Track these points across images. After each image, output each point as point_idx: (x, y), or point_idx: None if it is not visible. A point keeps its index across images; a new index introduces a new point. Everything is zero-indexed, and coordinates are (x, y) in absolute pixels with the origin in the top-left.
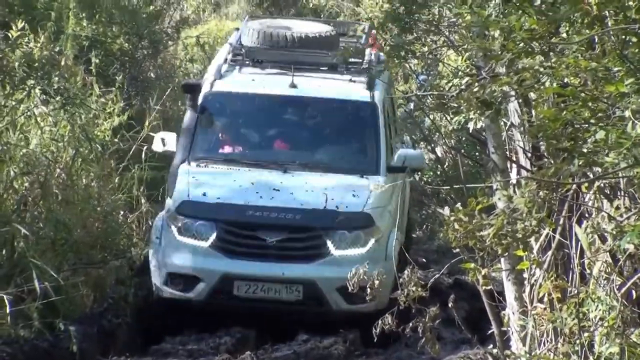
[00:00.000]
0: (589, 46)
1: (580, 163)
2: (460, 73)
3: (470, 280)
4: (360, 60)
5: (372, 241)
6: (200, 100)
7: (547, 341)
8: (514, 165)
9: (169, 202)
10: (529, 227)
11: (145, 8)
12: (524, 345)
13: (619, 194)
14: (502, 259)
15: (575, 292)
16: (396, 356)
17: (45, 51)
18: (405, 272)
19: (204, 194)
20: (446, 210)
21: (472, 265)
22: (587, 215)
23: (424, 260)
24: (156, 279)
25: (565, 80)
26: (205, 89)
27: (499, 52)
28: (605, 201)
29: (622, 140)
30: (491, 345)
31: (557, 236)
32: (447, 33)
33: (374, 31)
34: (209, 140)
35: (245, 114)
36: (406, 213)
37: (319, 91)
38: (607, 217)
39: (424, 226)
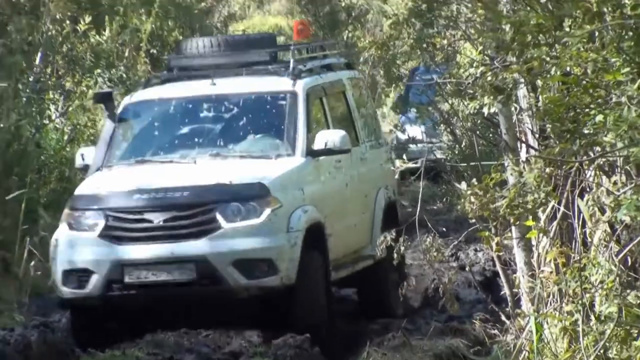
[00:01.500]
0: (590, 39)
1: (582, 143)
2: (475, 63)
3: (485, 247)
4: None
5: (267, 212)
6: (119, 110)
7: (553, 301)
8: (523, 145)
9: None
10: (537, 199)
11: (197, 4)
12: (533, 305)
13: (616, 170)
14: (513, 228)
15: (578, 258)
16: (417, 314)
17: (111, 43)
18: (428, 239)
19: (97, 188)
20: (463, 185)
21: (487, 233)
22: (588, 189)
23: (444, 229)
24: (56, 280)
25: (569, 69)
26: (125, 101)
27: (510, 44)
28: (604, 177)
29: (619, 123)
30: (504, 305)
31: (562, 208)
32: (464, 27)
33: (297, 20)
34: (124, 147)
35: (163, 118)
36: (373, 215)
37: (238, 87)
38: (606, 192)
39: (444, 199)
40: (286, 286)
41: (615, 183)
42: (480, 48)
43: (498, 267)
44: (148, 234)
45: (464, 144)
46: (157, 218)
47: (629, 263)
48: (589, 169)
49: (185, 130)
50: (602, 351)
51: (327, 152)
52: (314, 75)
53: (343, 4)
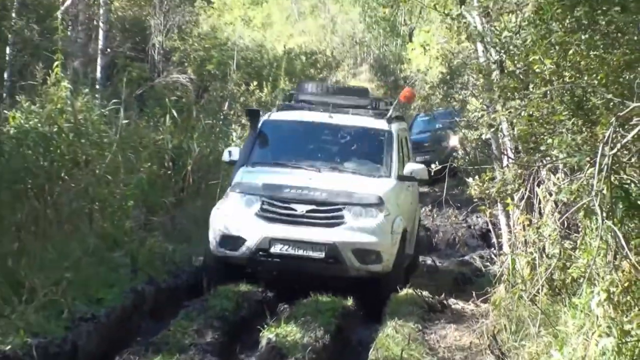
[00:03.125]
0: (544, 95)
1: (539, 155)
2: (477, 109)
3: (482, 215)
4: (384, 109)
5: (381, 216)
6: (259, 124)
7: (522, 246)
8: (505, 156)
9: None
10: (513, 188)
11: (317, 75)
12: (510, 248)
13: (559, 171)
14: (499, 204)
15: (536, 221)
16: (442, 253)
17: (268, 96)
18: (450, 210)
19: (253, 179)
20: (470, 179)
21: (483, 207)
22: (542, 182)
23: (458, 204)
24: (212, 241)
25: (532, 112)
26: (264, 117)
27: (497, 99)
28: (552, 175)
29: (561, 144)
30: (493, 248)
31: (527, 192)
32: (471, 89)
33: (408, 88)
34: (263, 151)
35: (292, 135)
36: (416, 226)
37: (350, 121)
38: (552, 183)
39: (459, 187)
40: (385, 272)
41: (558, 178)
42: (481, 101)
43: (490, 227)
44: (293, 219)
45: (471, 155)
46: (300, 208)
47: (565, 224)
48: (543, 170)
49: (309, 146)
50: (549, 275)
51: (411, 178)
52: (396, 122)
53: (402, 75)
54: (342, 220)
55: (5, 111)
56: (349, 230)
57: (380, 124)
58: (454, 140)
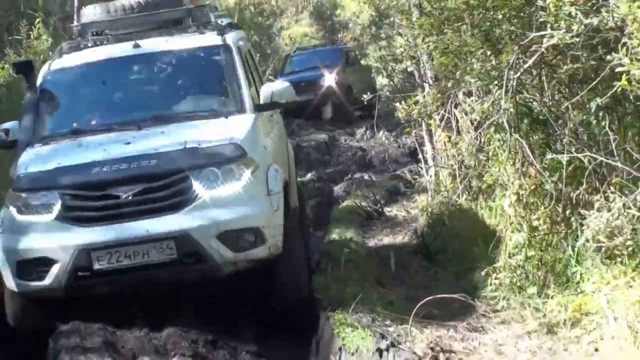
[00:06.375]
0: (458, 30)
1: (454, 82)
2: (402, 45)
3: (410, 135)
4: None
5: (247, 174)
6: (39, 81)
7: (444, 159)
8: (426, 84)
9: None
10: (432, 109)
11: (265, 22)
12: (434, 162)
13: (472, 94)
14: (423, 124)
15: (454, 138)
16: (377, 170)
17: None
18: (381, 132)
19: (43, 165)
20: (398, 105)
21: (409, 129)
22: (459, 104)
23: (389, 128)
24: (5, 272)
25: (448, 46)
26: (43, 70)
27: (418, 35)
28: (467, 97)
29: (471, 71)
30: (420, 163)
31: (446, 114)
32: (396, 28)
33: None
34: (52, 118)
35: (88, 84)
36: (293, 168)
37: (165, 45)
38: (467, 105)
39: (388, 113)
40: (274, 256)
41: (472, 100)
42: (405, 38)
43: (416, 145)
44: (115, 212)
45: (399, 85)
46: (124, 192)
47: (479, 140)
48: (459, 94)
49: (116, 94)
50: (468, 182)
51: (274, 105)
52: (231, 31)
53: (337, 19)
54: (191, 195)
55: None
56: (205, 207)
57: (211, 39)
58: (329, 80)
